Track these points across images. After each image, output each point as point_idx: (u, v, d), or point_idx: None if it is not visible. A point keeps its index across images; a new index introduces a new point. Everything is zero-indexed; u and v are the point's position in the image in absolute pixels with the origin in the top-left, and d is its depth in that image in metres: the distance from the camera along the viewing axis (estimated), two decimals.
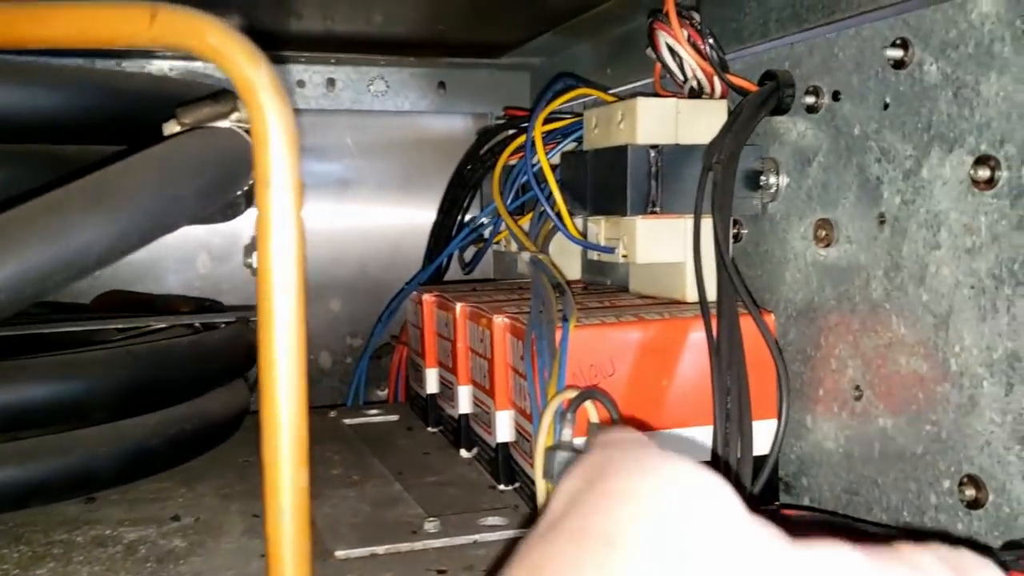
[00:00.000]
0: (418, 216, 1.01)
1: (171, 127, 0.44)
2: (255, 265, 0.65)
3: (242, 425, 0.72)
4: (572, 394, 0.47)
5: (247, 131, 0.50)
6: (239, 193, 0.48)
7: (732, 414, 0.49)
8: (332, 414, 0.80)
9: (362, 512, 0.56)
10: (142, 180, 0.34)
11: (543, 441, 0.47)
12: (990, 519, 0.44)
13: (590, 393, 0.47)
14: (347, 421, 0.78)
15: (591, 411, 0.48)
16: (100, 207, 0.33)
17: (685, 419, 0.54)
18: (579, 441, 0.47)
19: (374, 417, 0.80)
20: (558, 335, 0.52)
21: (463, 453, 0.68)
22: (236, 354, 0.67)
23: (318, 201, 1.02)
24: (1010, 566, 0.40)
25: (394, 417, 0.80)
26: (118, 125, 0.54)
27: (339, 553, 0.50)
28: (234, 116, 0.45)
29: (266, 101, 0.28)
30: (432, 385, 0.74)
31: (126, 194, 0.34)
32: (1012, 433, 0.42)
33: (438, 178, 0.99)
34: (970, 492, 0.44)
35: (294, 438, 0.29)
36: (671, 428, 0.54)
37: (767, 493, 0.56)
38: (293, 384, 0.29)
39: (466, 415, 0.67)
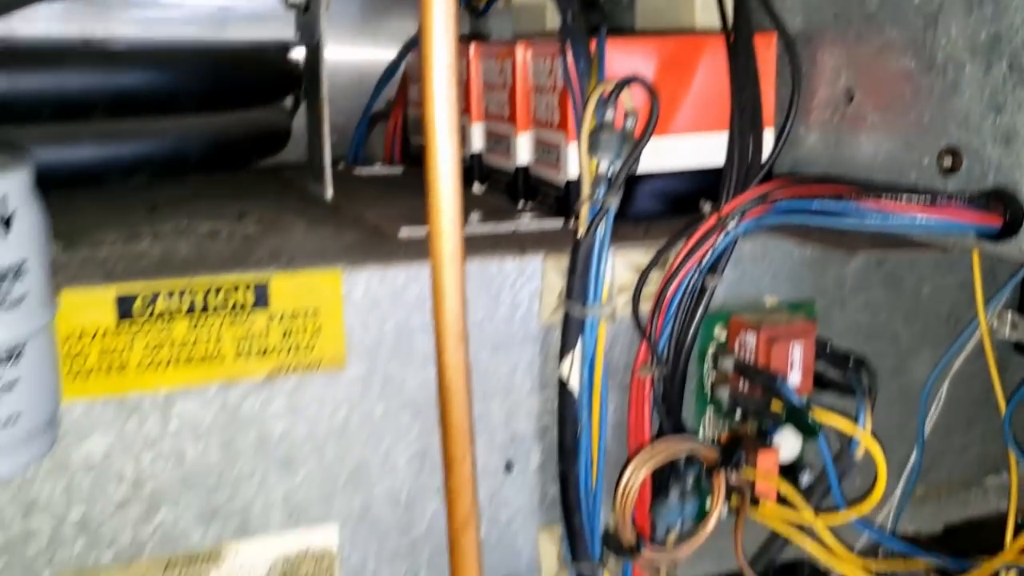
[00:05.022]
0: None
1: None
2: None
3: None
4: (611, 85, 0.54)
5: None
6: None
7: (744, 127, 0.56)
8: (340, 166, 0.85)
9: (413, 208, 0.62)
10: None
11: (587, 125, 0.53)
12: (961, 180, 0.52)
13: (629, 79, 0.53)
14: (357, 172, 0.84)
15: (626, 101, 0.54)
16: None
17: (701, 125, 0.61)
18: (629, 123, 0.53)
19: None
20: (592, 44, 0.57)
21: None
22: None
23: None
24: None
25: (397, 170, 0.85)
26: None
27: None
28: None
29: None
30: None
31: None
32: (988, 104, 0.50)
33: None
34: (948, 161, 0.52)
35: None
36: (688, 132, 0.61)
37: None
38: None
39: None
